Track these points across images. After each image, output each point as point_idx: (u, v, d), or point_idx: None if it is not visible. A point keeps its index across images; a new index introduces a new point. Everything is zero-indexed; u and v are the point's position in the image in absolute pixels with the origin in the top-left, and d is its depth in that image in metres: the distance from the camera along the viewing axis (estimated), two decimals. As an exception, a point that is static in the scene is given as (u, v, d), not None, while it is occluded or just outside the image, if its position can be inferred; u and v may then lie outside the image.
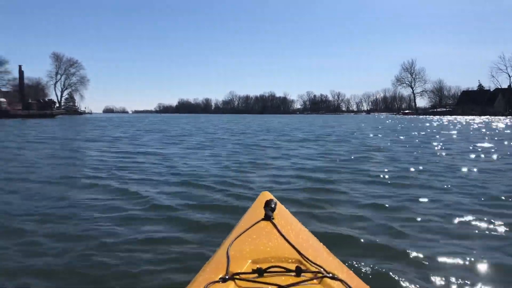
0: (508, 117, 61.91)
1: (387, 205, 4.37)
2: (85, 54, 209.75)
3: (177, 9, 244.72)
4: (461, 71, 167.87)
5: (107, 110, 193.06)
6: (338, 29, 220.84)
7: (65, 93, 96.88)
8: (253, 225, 1.52)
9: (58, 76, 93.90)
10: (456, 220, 3.84)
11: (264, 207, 1.66)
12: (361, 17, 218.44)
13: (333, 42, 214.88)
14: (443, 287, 2.43)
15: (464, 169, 7.13)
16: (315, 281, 1.13)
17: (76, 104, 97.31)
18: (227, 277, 1.14)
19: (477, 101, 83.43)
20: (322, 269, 1.19)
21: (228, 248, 1.34)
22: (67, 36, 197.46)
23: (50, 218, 3.88)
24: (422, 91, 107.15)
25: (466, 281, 2.48)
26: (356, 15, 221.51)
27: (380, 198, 4.75)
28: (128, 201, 4.61)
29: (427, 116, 79.69)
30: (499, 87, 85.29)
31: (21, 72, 67.61)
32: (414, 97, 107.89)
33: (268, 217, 1.56)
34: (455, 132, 21.19)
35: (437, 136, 17.18)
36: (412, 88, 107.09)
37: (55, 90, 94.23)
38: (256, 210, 1.73)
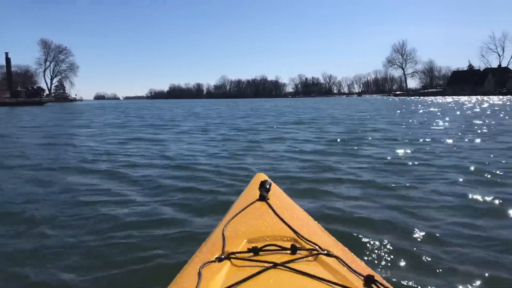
0: (501, 96, 62.26)
1: (383, 184, 4.44)
2: (74, 40, 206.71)
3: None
4: (451, 52, 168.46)
5: (98, 97, 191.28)
6: (329, 11, 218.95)
7: (55, 80, 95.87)
8: (248, 205, 1.53)
9: (47, 63, 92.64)
10: (456, 195, 3.93)
11: (259, 188, 1.66)
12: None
13: (324, 24, 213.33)
14: (440, 263, 2.47)
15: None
16: (310, 258, 1.15)
17: (66, 91, 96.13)
18: (223, 256, 1.15)
19: (467, 81, 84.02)
20: (317, 247, 1.21)
21: (223, 229, 1.35)
22: (56, 22, 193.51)
23: (39, 205, 3.85)
24: (413, 72, 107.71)
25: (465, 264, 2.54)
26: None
27: (378, 177, 4.81)
28: (124, 185, 4.63)
29: (418, 97, 79.95)
30: (489, 66, 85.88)
31: (8, 60, 66.41)
32: (405, 78, 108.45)
33: (263, 198, 1.57)
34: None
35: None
36: (403, 69, 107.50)
37: (44, 77, 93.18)
38: (251, 191, 1.74)
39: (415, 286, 2.18)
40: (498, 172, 4.96)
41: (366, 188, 4.29)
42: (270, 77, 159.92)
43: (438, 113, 20.32)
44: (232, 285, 0.95)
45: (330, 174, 5.04)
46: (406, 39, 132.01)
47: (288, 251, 1.16)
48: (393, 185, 4.39)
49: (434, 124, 13.41)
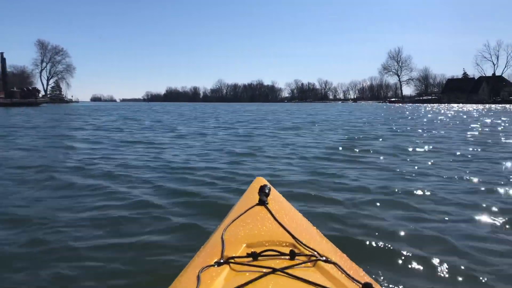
0: (497, 104, 62.53)
1: (384, 190, 4.43)
2: (71, 41, 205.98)
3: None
4: (446, 60, 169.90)
5: (95, 99, 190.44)
6: (326, 17, 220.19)
7: (51, 81, 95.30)
8: (248, 210, 1.53)
9: (44, 64, 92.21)
10: (459, 204, 3.91)
11: (258, 192, 1.66)
12: (348, 6, 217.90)
13: (321, 30, 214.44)
14: (440, 272, 2.46)
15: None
16: (309, 264, 1.15)
17: (62, 93, 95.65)
18: (222, 261, 1.15)
19: (462, 89, 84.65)
20: (315, 253, 1.21)
21: (222, 233, 1.35)
22: (53, 23, 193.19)
23: (20, 217, 3.53)
24: (408, 79, 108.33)
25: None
26: (343, 3, 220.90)
27: (379, 184, 4.80)
28: (123, 185, 4.63)
29: (413, 104, 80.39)
30: (484, 75, 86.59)
31: (3, 60, 65.94)
32: (401, 85, 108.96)
33: (262, 202, 1.57)
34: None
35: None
36: (398, 76, 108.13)
37: (40, 78, 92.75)
38: (250, 195, 1.74)
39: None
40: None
41: (366, 194, 4.27)
42: (266, 82, 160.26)
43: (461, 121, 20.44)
44: None
45: (329, 179, 5.04)
46: (401, 46, 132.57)
47: (287, 257, 1.16)
48: (394, 192, 4.37)
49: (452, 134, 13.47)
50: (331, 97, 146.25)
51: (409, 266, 2.51)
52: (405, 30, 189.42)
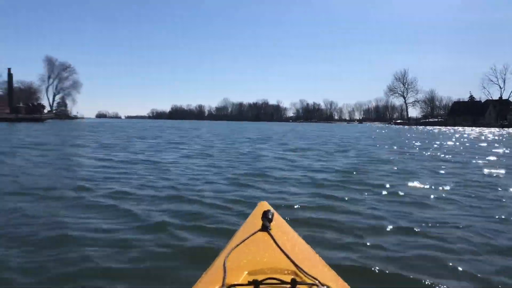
0: (505, 128, 61.90)
1: (389, 217, 4.34)
2: (78, 58, 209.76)
3: (171, 15, 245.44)
4: (453, 82, 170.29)
5: (100, 115, 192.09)
6: (331, 38, 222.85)
7: (57, 97, 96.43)
8: (250, 235, 1.54)
9: (51, 80, 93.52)
10: (466, 228, 3.88)
11: (262, 217, 1.67)
12: (355, 27, 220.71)
13: (327, 51, 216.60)
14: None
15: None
16: None
17: (68, 109, 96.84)
18: (223, 288, 1.15)
19: (468, 112, 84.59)
20: (317, 281, 1.21)
21: (225, 259, 1.35)
22: (61, 40, 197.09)
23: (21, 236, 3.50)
24: (414, 101, 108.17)
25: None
26: (350, 24, 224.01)
27: (385, 211, 4.72)
28: (122, 209, 4.56)
29: (419, 126, 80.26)
30: (490, 98, 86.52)
31: (10, 75, 67.25)
32: (406, 107, 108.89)
33: (265, 228, 1.58)
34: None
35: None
36: (404, 98, 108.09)
37: (47, 94, 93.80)
38: (254, 220, 1.75)
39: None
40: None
41: (370, 220, 4.18)
42: (272, 101, 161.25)
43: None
44: None
45: (335, 203, 4.98)
46: (407, 68, 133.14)
47: (288, 285, 1.16)
48: (399, 220, 4.25)
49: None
50: (336, 117, 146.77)
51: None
52: (411, 52, 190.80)
